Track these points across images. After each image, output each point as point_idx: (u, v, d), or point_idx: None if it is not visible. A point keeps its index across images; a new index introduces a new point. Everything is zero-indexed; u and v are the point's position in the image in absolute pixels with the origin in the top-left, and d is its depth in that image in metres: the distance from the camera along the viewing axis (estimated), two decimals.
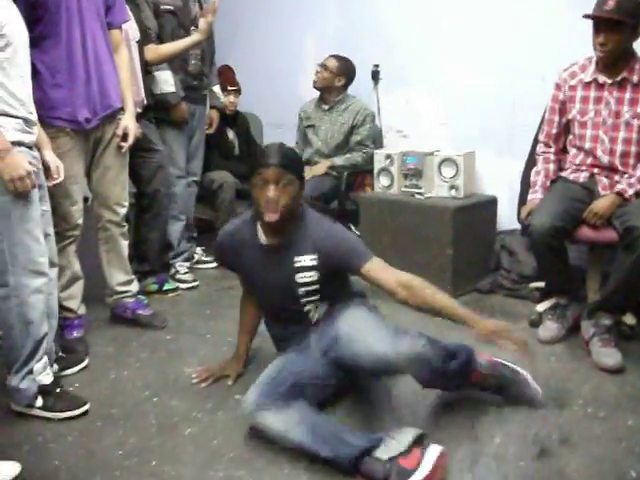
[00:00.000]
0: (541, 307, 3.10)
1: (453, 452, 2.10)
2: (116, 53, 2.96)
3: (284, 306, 2.46)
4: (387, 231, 3.76)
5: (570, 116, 2.98)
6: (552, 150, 3.10)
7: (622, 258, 2.66)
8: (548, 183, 3.06)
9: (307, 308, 2.44)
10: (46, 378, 2.42)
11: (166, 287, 3.74)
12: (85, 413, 2.40)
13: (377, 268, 2.30)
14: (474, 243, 3.66)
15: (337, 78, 4.16)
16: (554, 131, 3.07)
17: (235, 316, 3.31)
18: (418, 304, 2.24)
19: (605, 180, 2.91)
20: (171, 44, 3.61)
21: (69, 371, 2.73)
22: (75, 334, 3.00)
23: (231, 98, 4.41)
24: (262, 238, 2.40)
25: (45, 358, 2.41)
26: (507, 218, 3.80)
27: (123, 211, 3.12)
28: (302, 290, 2.39)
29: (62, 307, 2.93)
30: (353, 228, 4.04)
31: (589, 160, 2.96)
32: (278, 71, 4.98)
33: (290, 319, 2.48)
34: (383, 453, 1.96)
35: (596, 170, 2.94)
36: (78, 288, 2.99)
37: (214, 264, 4.19)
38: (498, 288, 3.62)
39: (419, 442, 2.04)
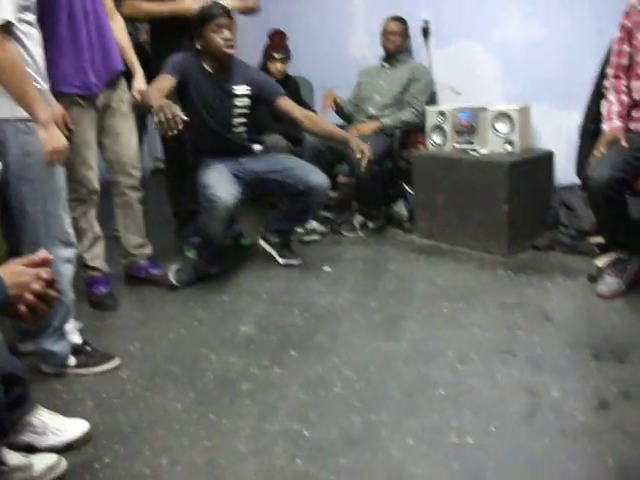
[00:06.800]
0: (600, 262, 3.03)
1: (508, 405, 2.09)
2: (112, 19, 2.95)
3: (220, 126, 3.32)
4: (441, 189, 3.72)
5: (635, 42, 2.83)
6: (623, 82, 2.94)
7: None
8: (624, 112, 2.91)
9: (236, 131, 3.36)
10: (76, 338, 2.52)
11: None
12: (116, 367, 2.50)
13: (289, 102, 3.40)
14: (531, 199, 3.58)
15: (405, 39, 4.23)
16: (624, 62, 2.91)
17: (289, 276, 3.37)
18: (316, 130, 3.42)
19: None
20: (153, 4, 3.45)
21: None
22: (103, 290, 3.11)
23: (277, 66, 4.37)
24: (208, 68, 3.27)
25: (73, 320, 2.50)
26: (565, 173, 3.70)
27: (138, 174, 3.17)
28: (236, 112, 3.33)
29: (88, 267, 3.05)
30: (406, 187, 4.01)
31: None
32: (328, 33, 4.93)
33: (222, 138, 3.34)
34: None
35: None
36: (100, 248, 3.08)
37: None
38: (556, 245, 3.53)
39: None
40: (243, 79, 3.36)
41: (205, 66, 3.29)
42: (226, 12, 3.23)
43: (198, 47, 3.27)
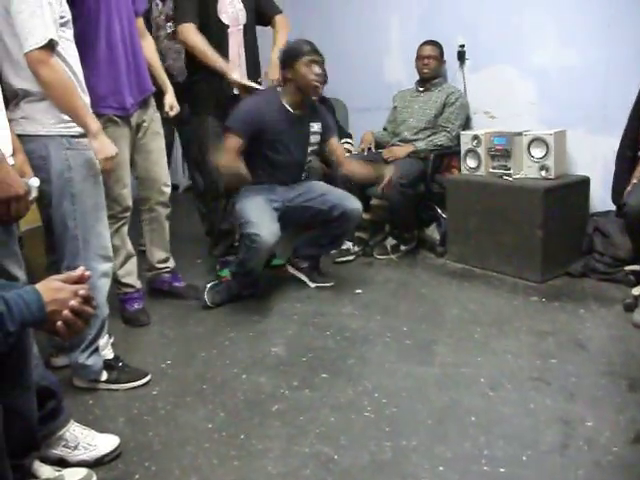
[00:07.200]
0: (636, 291, 2.98)
1: (541, 434, 2.06)
2: (143, 39, 3.01)
3: (293, 161, 3.41)
4: (475, 213, 3.70)
5: None
6: None
7: None
8: None
9: (307, 160, 3.50)
10: (109, 353, 2.55)
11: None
12: (147, 383, 2.53)
13: (337, 142, 3.62)
14: (565, 225, 3.54)
15: (440, 63, 4.26)
16: None
17: (321, 298, 3.37)
18: (350, 174, 3.55)
19: None
20: (209, 48, 3.36)
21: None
22: (136, 306, 3.16)
23: None
24: (289, 107, 3.33)
25: (107, 335, 2.53)
26: (600, 199, 3.66)
27: (168, 190, 3.25)
28: (309, 149, 3.45)
29: (121, 283, 3.10)
30: (440, 211, 3.99)
31: None
32: (363, 56, 4.96)
33: (289, 170, 3.43)
34: None
35: None
36: (133, 264, 3.13)
37: None
38: (591, 272, 3.48)
39: None
40: (317, 117, 3.48)
41: (284, 103, 3.33)
42: (316, 49, 3.30)
43: (284, 80, 3.33)
